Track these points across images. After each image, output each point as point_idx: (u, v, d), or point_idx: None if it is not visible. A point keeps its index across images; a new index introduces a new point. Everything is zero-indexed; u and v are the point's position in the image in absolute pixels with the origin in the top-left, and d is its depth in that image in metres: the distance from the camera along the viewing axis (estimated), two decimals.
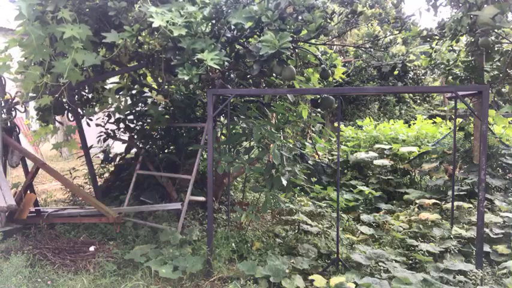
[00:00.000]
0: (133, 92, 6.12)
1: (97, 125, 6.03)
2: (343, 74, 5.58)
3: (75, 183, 6.33)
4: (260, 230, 5.35)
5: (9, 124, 5.33)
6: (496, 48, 5.74)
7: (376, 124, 9.62)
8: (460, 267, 3.86)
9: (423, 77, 12.81)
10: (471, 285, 3.68)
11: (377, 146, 7.70)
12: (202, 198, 5.30)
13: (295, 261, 4.14)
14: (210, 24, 4.33)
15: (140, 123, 6.07)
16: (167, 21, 3.71)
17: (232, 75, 5.62)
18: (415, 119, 10.33)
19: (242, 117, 5.06)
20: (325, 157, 8.37)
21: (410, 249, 4.51)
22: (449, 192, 5.83)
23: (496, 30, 5.18)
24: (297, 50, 4.92)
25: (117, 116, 6.07)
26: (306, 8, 4.02)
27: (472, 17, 4.77)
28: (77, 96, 5.95)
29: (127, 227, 5.10)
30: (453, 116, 5.16)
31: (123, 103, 6.25)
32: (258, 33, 4.34)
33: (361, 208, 6.24)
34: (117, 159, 6.50)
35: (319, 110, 8.53)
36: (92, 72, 5.44)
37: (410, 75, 12.60)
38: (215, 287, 3.89)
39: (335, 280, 3.58)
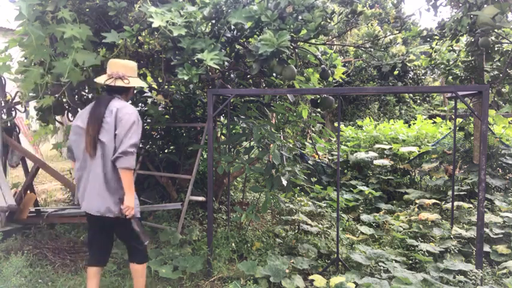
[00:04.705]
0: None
1: None
2: (343, 74, 5.58)
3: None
4: (260, 230, 5.35)
5: (9, 124, 5.33)
6: (496, 48, 5.73)
7: (376, 124, 9.61)
8: (460, 267, 3.85)
9: (423, 77, 12.80)
10: (471, 285, 3.68)
11: (377, 146, 7.69)
12: (202, 198, 5.30)
13: (295, 261, 4.14)
14: (210, 24, 4.33)
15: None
16: (167, 21, 3.71)
17: (232, 75, 5.62)
18: (415, 119, 10.32)
19: (242, 117, 5.06)
20: (325, 157, 8.36)
21: (410, 249, 4.51)
22: (449, 192, 5.83)
23: (496, 30, 5.18)
24: (296, 50, 4.92)
25: None
26: (306, 8, 4.01)
27: (472, 17, 4.76)
28: (77, 96, 5.95)
29: None
30: (453, 116, 5.15)
31: None
32: (257, 33, 4.34)
33: (361, 208, 6.23)
34: None
35: (319, 110, 8.53)
36: (92, 72, 5.44)
37: (410, 75, 12.59)
38: (215, 287, 3.89)
39: (335, 280, 3.58)
